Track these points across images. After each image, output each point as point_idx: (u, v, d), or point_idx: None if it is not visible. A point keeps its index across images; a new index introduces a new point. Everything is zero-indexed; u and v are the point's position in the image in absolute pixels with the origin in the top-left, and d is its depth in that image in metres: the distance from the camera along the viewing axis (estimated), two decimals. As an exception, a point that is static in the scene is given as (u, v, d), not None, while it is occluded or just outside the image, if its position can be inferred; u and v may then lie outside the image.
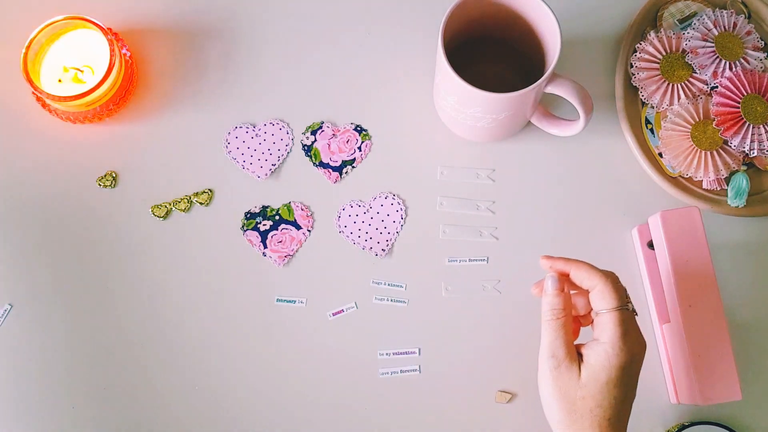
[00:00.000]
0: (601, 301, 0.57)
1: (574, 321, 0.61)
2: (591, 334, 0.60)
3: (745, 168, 0.73)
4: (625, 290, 0.58)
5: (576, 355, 0.57)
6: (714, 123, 0.72)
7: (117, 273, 0.72)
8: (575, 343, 0.59)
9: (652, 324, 0.71)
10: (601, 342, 0.57)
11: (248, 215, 0.73)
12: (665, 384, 0.70)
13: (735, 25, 0.74)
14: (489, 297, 0.72)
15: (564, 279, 0.60)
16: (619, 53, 0.76)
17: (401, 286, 0.72)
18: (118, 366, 0.70)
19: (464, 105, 0.67)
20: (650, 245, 0.71)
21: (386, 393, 0.70)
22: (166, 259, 0.72)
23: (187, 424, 0.69)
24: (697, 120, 0.72)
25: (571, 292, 0.61)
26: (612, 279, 0.58)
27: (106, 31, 0.72)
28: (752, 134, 0.72)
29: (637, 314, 0.59)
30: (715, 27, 0.74)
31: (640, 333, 0.58)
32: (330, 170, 0.74)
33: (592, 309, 0.60)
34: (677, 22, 0.76)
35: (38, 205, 0.73)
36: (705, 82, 0.73)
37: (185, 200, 0.73)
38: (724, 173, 0.72)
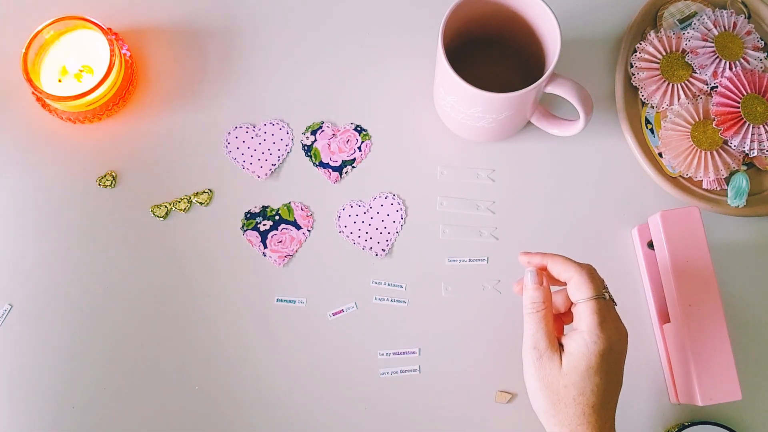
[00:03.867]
0: (578, 291, 0.58)
1: (557, 320, 0.63)
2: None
3: (745, 168, 0.73)
4: (603, 281, 0.59)
5: (557, 345, 0.58)
6: (714, 123, 0.72)
7: (117, 273, 0.72)
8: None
9: (652, 324, 0.71)
10: (580, 331, 0.58)
11: (248, 215, 0.73)
12: (665, 384, 0.70)
13: (735, 25, 0.74)
14: (489, 297, 0.72)
15: (543, 273, 0.61)
16: (619, 53, 0.76)
17: (401, 286, 0.72)
18: (118, 366, 0.70)
19: (464, 105, 0.67)
20: (650, 245, 0.71)
21: (386, 393, 0.70)
22: (166, 259, 0.72)
23: (187, 424, 0.69)
24: (697, 120, 0.72)
25: (553, 289, 0.62)
26: (588, 270, 0.59)
27: (106, 31, 0.72)
28: (752, 134, 0.72)
29: (616, 304, 0.59)
30: (715, 27, 0.74)
31: (620, 321, 0.59)
32: (330, 170, 0.74)
33: (571, 306, 0.61)
34: (677, 22, 0.76)
35: (38, 204, 0.73)
36: (705, 82, 0.73)
37: (185, 200, 0.73)
38: (724, 173, 0.72)
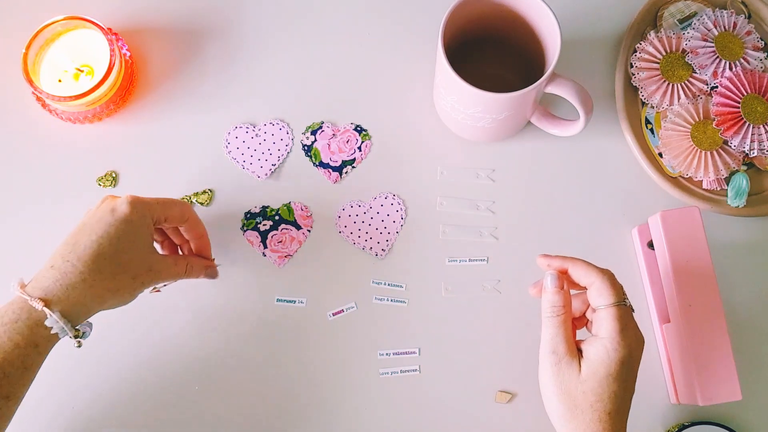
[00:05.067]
0: (599, 297, 0.58)
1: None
2: (586, 335, 0.60)
3: (745, 168, 0.73)
4: (622, 287, 0.59)
5: (576, 351, 0.58)
6: (714, 123, 0.72)
7: (117, 273, 0.72)
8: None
9: (652, 324, 0.71)
10: (600, 337, 0.57)
11: (248, 215, 0.73)
12: (665, 384, 0.70)
13: (735, 25, 0.74)
14: (489, 297, 0.72)
15: (563, 276, 0.60)
16: (619, 53, 0.76)
17: (401, 286, 0.72)
18: (117, 366, 0.70)
19: (464, 105, 0.67)
20: (650, 245, 0.71)
21: (386, 393, 0.70)
22: (166, 259, 0.72)
23: (187, 424, 0.69)
24: (697, 120, 0.72)
25: (571, 291, 0.61)
26: (609, 275, 0.58)
27: (106, 31, 0.72)
28: (752, 134, 0.72)
29: (634, 311, 0.59)
30: (715, 27, 0.74)
31: (638, 329, 0.59)
32: (330, 170, 0.74)
33: (586, 310, 0.61)
34: (677, 22, 0.76)
35: (38, 205, 0.73)
36: (705, 82, 0.73)
37: (185, 200, 0.73)
38: (724, 173, 0.72)
